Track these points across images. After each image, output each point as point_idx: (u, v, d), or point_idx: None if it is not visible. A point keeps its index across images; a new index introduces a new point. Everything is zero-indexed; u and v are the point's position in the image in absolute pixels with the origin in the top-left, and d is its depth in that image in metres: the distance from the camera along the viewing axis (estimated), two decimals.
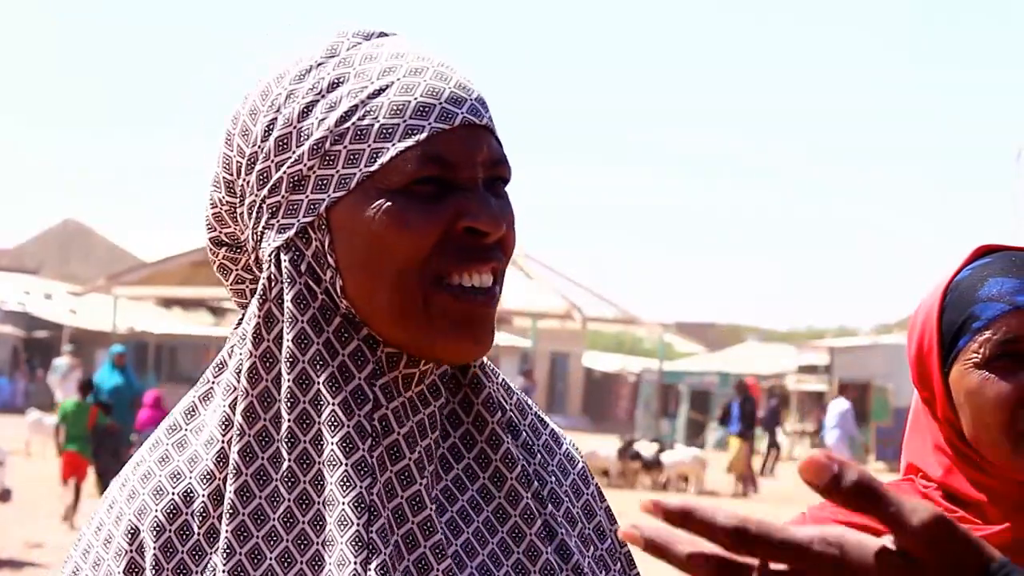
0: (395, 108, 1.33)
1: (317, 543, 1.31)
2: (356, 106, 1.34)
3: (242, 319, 1.40)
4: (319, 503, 1.31)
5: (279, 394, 1.34)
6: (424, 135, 1.33)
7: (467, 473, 1.40)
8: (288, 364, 1.33)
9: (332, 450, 1.31)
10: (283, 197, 1.36)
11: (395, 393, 1.36)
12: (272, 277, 1.36)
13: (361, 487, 1.30)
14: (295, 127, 1.35)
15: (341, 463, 1.30)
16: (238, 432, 1.33)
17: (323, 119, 1.35)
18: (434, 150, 1.33)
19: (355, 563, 1.28)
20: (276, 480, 1.32)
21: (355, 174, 1.33)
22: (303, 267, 1.35)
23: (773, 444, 28.25)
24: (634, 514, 0.85)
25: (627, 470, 22.48)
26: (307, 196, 1.35)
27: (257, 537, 1.31)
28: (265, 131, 1.37)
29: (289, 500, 1.32)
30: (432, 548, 1.32)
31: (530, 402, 1.50)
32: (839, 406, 25.03)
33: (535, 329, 36.69)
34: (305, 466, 1.32)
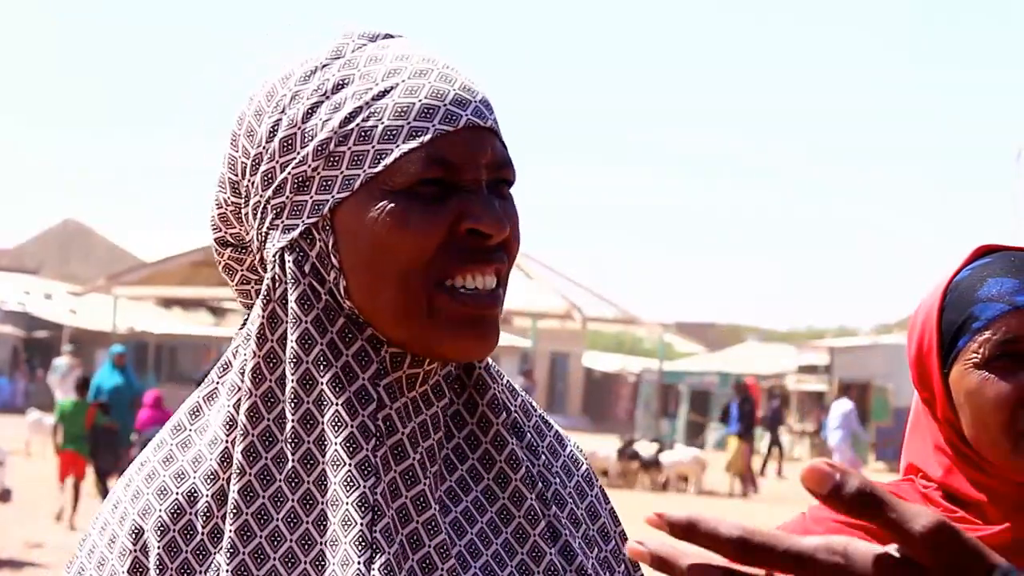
0: (399, 110, 1.34)
1: (321, 543, 1.31)
2: (360, 107, 1.34)
3: (247, 319, 1.41)
4: (323, 503, 1.31)
5: (283, 394, 1.34)
6: (428, 137, 1.33)
7: (471, 474, 1.40)
8: (292, 364, 1.33)
9: (336, 450, 1.31)
10: (287, 198, 1.36)
11: (399, 393, 1.36)
12: (276, 278, 1.36)
13: (365, 487, 1.30)
14: (300, 128, 1.36)
15: (345, 463, 1.30)
16: (242, 432, 1.33)
17: (328, 120, 1.35)
18: (438, 152, 1.33)
19: (359, 563, 1.28)
20: (280, 480, 1.33)
21: (359, 175, 1.34)
22: (307, 268, 1.35)
23: (776, 444, 28.20)
24: (634, 514, 0.86)
25: (627, 470, 22.47)
26: (311, 197, 1.35)
27: (261, 537, 1.31)
28: (270, 132, 1.37)
29: (293, 500, 1.32)
30: (436, 548, 1.32)
31: (534, 404, 1.50)
32: (842, 406, 25.00)
33: (535, 329, 36.63)
34: (309, 466, 1.32)
